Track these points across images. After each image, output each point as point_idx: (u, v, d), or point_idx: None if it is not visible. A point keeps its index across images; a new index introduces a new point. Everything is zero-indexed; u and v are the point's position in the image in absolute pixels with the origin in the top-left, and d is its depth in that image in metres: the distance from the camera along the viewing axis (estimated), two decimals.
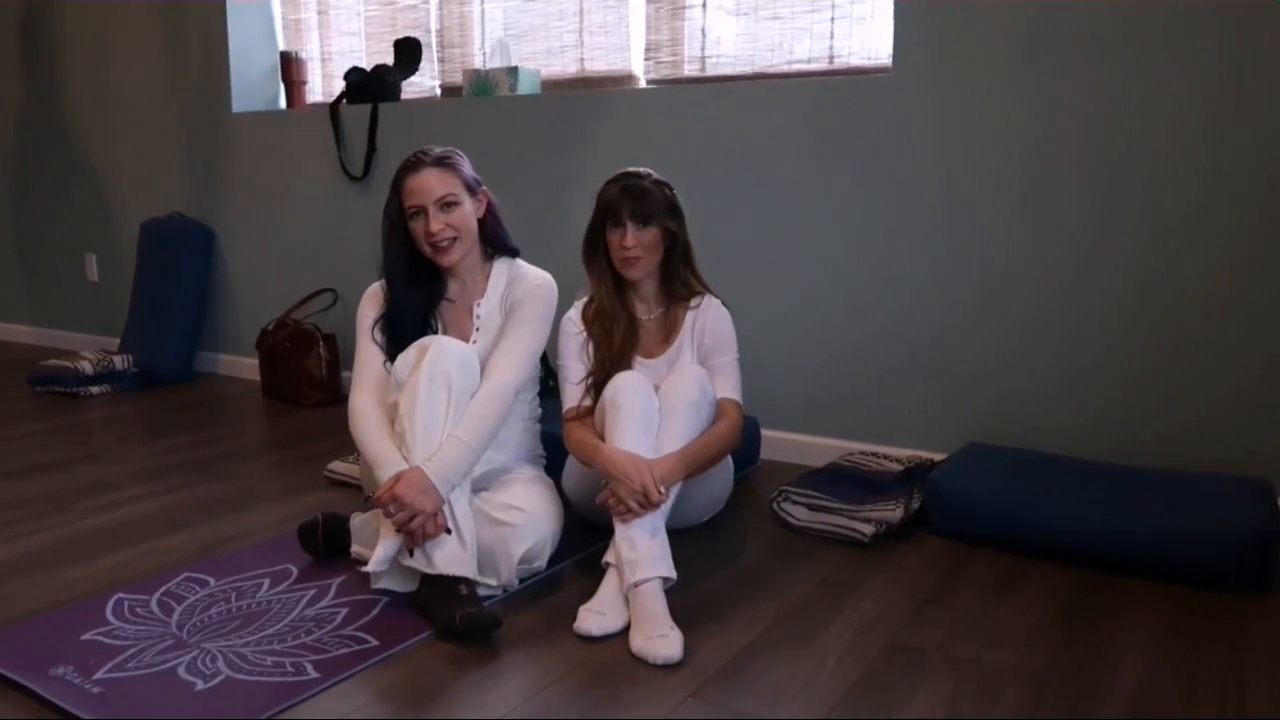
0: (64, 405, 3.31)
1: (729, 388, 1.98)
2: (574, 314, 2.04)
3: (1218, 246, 2.11)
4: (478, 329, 1.96)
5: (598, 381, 1.95)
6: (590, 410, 1.95)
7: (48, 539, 2.08)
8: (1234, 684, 1.48)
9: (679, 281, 2.05)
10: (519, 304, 1.94)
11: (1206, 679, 1.49)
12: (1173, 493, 1.96)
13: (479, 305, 1.97)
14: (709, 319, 2.03)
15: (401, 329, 1.92)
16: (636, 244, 1.94)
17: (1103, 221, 2.21)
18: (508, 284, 1.98)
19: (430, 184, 1.87)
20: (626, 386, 1.83)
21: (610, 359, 1.97)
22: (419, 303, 1.95)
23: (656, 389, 1.89)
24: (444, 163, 1.90)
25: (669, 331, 2.05)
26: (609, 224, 1.97)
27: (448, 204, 1.88)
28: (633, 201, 1.94)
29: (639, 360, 2.02)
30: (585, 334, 2.01)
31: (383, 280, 1.96)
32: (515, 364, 1.87)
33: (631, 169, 2.01)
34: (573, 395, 1.99)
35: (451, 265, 1.93)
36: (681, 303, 2.06)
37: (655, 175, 2.00)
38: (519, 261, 2.02)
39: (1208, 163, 2.10)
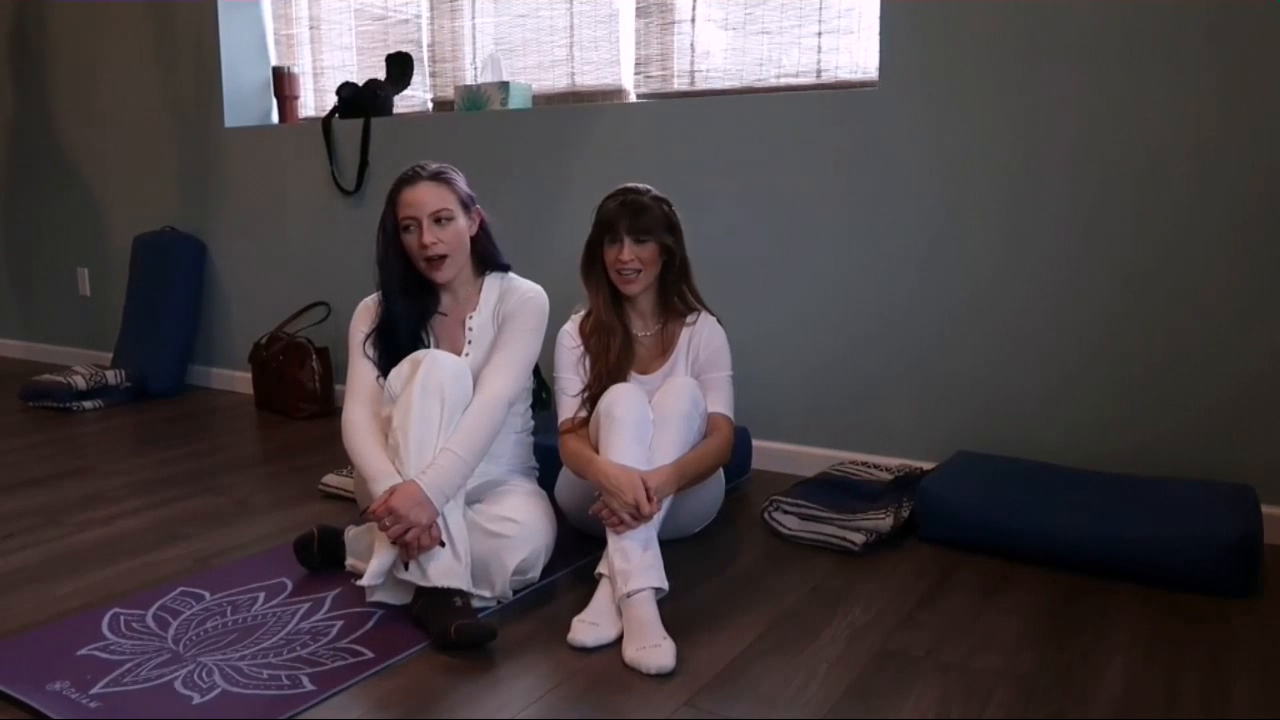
0: (56, 420, 3.31)
1: (721, 403, 2.00)
2: (571, 327, 2.06)
3: (1202, 258, 2.14)
4: (470, 342, 1.97)
5: (593, 395, 1.96)
6: (585, 422, 1.96)
7: (41, 553, 2.09)
8: (1218, 686, 1.50)
9: (676, 298, 2.07)
10: (511, 316, 1.95)
11: (1191, 681, 1.51)
12: (1157, 499, 1.99)
13: (471, 319, 1.99)
14: (704, 336, 2.05)
15: (394, 342, 1.93)
16: (634, 259, 1.96)
17: (1089, 234, 2.24)
18: (499, 297, 2.00)
19: (425, 197, 1.90)
20: (621, 398, 1.85)
21: (606, 373, 1.98)
22: (412, 316, 1.97)
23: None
24: (440, 177, 1.93)
25: (665, 347, 2.07)
26: (607, 239, 1.99)
27: (441, 218, 1.90)
28: (631, 217, 1.95)
29: (635, 376, 2.03)
30: (582, 347, 2.02)
31: (377, 294, 1.98)
32: (508, 376, 1.89)
33: (631, 184, 2.02)
34: (568, 407, 2.00)
35: (445, 281, 1.95)
36: (678, 319, 2.07)
37: (654, 191, 2.02)
38: (511, 275, 2.04)
39: (1194, 176, 2.13)
